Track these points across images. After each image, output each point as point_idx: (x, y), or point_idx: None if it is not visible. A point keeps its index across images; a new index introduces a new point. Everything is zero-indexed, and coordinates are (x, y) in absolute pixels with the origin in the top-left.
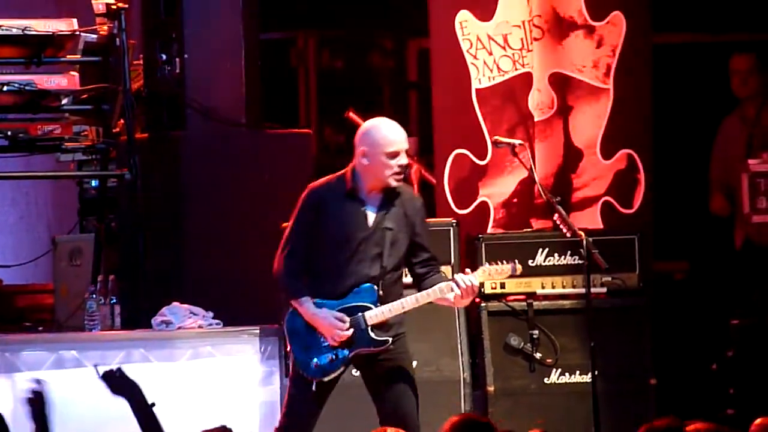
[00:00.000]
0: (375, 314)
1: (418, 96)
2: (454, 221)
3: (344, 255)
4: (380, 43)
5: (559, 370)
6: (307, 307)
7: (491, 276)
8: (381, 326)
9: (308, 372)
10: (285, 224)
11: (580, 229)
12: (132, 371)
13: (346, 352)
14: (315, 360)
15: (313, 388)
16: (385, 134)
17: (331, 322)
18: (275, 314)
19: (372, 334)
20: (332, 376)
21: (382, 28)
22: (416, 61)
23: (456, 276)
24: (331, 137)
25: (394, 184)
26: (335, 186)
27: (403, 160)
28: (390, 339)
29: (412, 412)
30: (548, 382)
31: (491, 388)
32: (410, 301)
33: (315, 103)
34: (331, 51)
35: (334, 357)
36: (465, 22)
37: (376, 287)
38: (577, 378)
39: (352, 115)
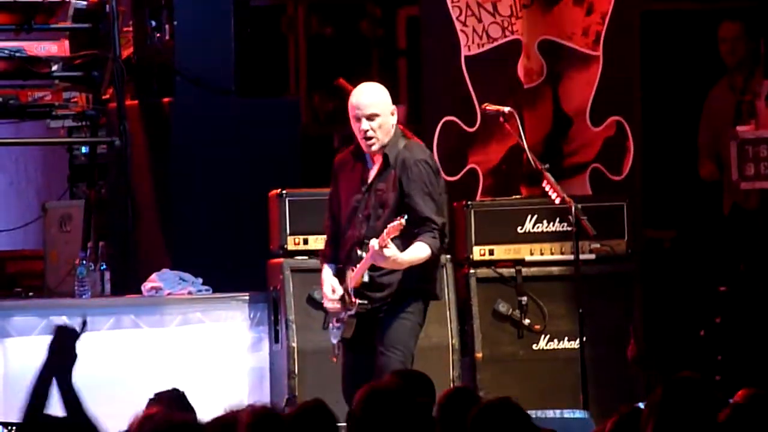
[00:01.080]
0: (349, 276)
1: (408, 64)
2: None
3: (344, 219)
4: (370, 11)
5: (548, 336)
6: (322, 274)
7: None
8: (372, 287)
9: (332, 337)
10: (274, 191)
11: (569, 196)
12: (122, 337)
13: (343, 314)
14: (331, 325)
15: (338, 350)
16: (351, 99)
17: (324, 289)
18: (264, 281)
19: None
20: (345, 335)
21: None
22: (405, 28)
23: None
24: (320, 105)
25: (365, 148)
26: (354, 151)
27: (365, 125)
28: (368, 300)
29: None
30: (536, 348)
31: (479, 355)
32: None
33: (304, 70)
34: (321, 18)
35: (338, 320)
36: None
37: (359, 250)
38: (566, 344)
39: (341, 82)
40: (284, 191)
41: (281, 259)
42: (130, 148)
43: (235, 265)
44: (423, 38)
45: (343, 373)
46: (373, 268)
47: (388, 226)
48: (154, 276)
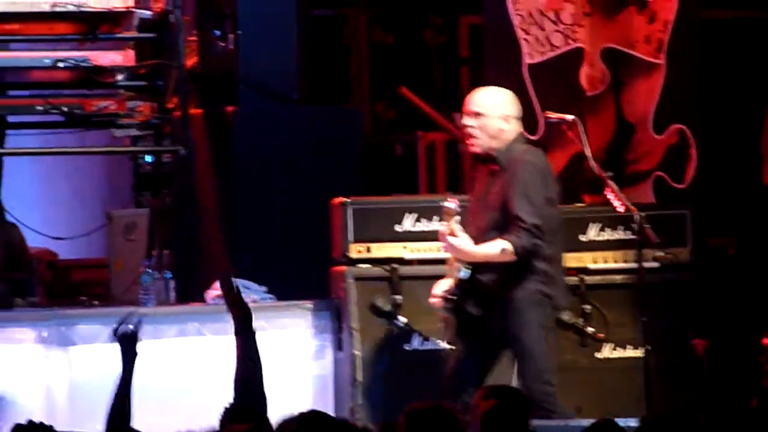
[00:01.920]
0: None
1: (470, 72)
2: None
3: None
4: (432, 19)
5: (611, 344)
6: None
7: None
8: (474, 286)
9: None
10: (337, 199)
11: (633, 204)
12: (186, 345)
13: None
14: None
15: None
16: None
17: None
18: (327, 289)
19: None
20: (448, 340)
21: (434, 4)
22: (468, 36)
23: None
24: (382, 113)
25: (464, 146)
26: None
27: (467, 121)
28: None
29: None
30: (600, 356)
31: None
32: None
33: (367, 79)
34: (383, 27)
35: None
36: None
37: None
38: (629, 353)
39: (403, 91)
40: (347, 199)
41: (344, 267)
42: (194, 157)
43: (299, 273)
44: (485, 46)
45: (449, 371)
46: (478, 269)
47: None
48: (217, 284)
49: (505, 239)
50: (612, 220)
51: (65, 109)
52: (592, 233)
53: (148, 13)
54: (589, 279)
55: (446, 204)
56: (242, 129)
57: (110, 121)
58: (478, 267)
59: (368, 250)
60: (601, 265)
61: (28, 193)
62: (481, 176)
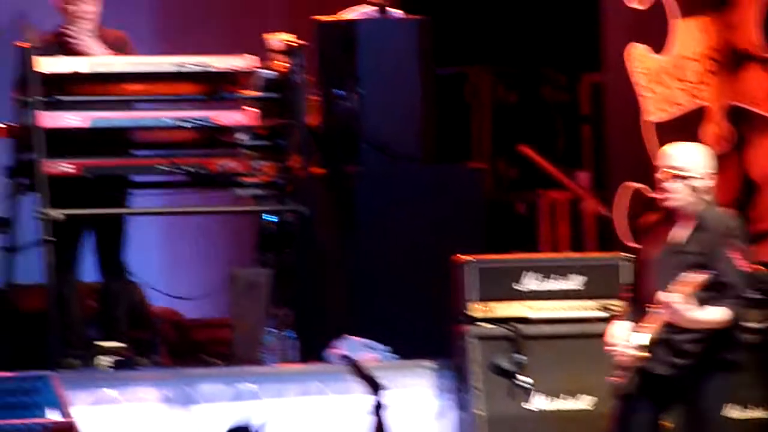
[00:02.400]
0: (642, 329)
1: (591, 130)
2: (626, 255)
3: (648, 278)
4: (553, 78)
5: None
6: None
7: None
8: (672, 350)
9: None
10: (458, 258)
11: (756, 263)
12: (308, 404)
13: (627, 366)
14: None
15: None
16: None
17: (617, 335)
18: (450, 348)
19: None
20: (626, 390)
21: (555, 63)
22: (589, 94)
23: None
24: (504, 171)
25: (662, 201)
26: (665, 211)
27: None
28: (666, 364)
29: None
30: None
31: None
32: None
33: (488, 137)
34: (505, 85)
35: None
36: (639, 55)
37: (656, 307)
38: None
39: (524, 149)
40: (469, 258)
41: (466, 326)
42: (316, 216)
43: (420, 331)
44: (606, 104)
45: (616, 426)
46: (676, 331)
47: (686, 278)
48: (340, 343)
49: (724, 306)
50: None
51: (188, 168)
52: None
53: (272, 72)
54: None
55: (693, 277)
56: (364, 188)
57: (233, 180)
58: (677, 327)
59: (490, 308)
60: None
61: (151, 253)
62: (661, 232)
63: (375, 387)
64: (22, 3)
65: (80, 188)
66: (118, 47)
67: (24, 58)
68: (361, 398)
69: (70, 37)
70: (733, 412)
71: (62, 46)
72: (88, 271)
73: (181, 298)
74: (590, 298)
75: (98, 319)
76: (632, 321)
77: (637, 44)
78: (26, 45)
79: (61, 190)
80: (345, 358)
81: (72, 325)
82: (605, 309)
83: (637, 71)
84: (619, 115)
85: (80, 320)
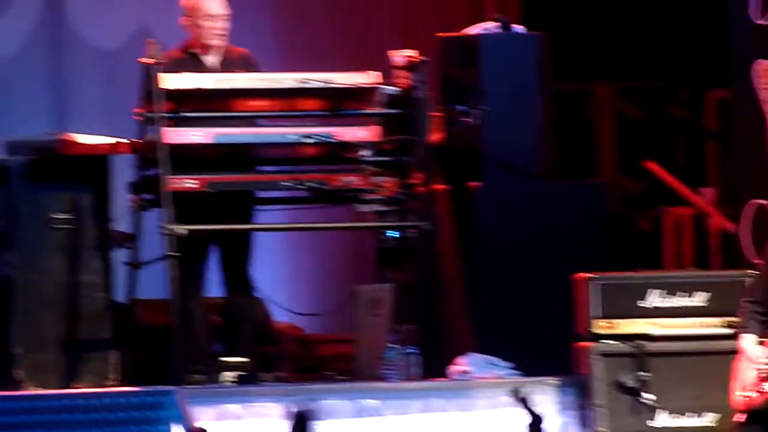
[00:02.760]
0: None
1: (717, 146)
2: (752, 272)
3: None
4: (678, 94)
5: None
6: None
7: None
8: None
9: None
10: (581, 274)
11: None
12: (430, 420)
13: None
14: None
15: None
16: None
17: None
18: (574, 365)
19: None
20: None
21: (680, 79)
22: (715, 111)
23: None
24: (629, 188)
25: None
26: None
27: None
28: None
29: None
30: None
31: None
32: None
33: (612, 152)
34: (629, 101)
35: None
36: (765, 71)
37: None
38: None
39: (649, 165)
40: (592, 274)
41: (589, 343)
42: (438, 232)
43: (542, 348)
44: (735, 121)
45: None
46: None
47: None
48: (462, 359)
49: None
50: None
51: (311, 184)
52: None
53: (394, 89)
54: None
55: None
56: (486, 204)
57: (355, 196)
58: None
59: (614, 325)
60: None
61: (273, 268)
62: None
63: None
64: (146, 20)
65: (205, 204)
66: (244, 65)
67: (148, 75)
68: (482, 415)
69: (195, 53)
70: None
71: (187, 62)
72: (213, 286)
73: (304, 314)
74: (715, 315)
75: (222, 334)
76: (758, 335)
77: (764, 60)
78: (150, 61)
79: (185, 205)
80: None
81: (196, 340)
82: (730, 326)
83: (764, 87)
84: (746, 131)
85: (205, 335)
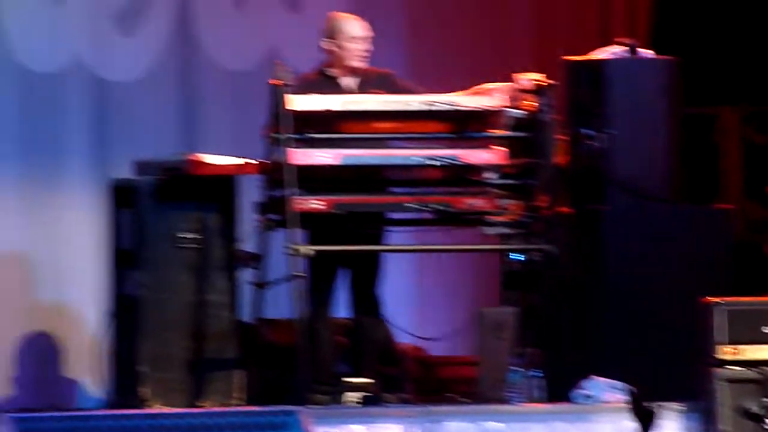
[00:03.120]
0: None
1: None
2: None
3: None
4: None
5: None
6: None
7: None
8: None
9: None
10: (706, 299)
11: None
12: None
13: None
14: None
15: None
16: None
17: None
18: (698, 390)
19: None
20: None
21: None
22: None
23: None
24: (755, 213)
25: None
26: None
27: None
28: None
29: None
30: None
31: None
32: None
33: (738, 178)
34: (755, 127)
35: None
36: None
37: None
38: None
39: None
40: (717, 299)
41: (714, 369)
42: (563, 255)
43: (666, 372)
44: None
45: None
46: None
47: None
48: (584, 383)
49: None
50: None
51: (436, 206)
52: None
53: (520, 112)
54: None
55: None
56: (611, 227)
57: (480, 218)
58: None
59: (738, 351)
60: None
61: (398, 290)
62: None
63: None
64: (275, 42)
65: (335, 225)
66: (382, 85)
67: (276, 96)
68: None
69: (332, 76)
70: None
71: (323, 84)
72: (339, 306)
73: (428, 339)
74: None
75: (347, 354)
76: None
77: None
78: (279, 83)
79: (315, 226)
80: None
81: (322, 360)
82: None
83: None
84: None
85: (330, 356)
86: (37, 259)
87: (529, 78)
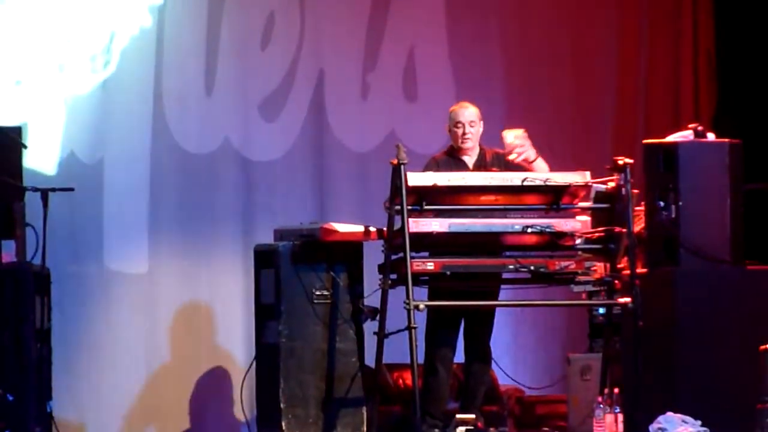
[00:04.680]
0: None
1: None
2: None
3: None
4: None
5: None
6: None
7: None
8: None
9: None
10: (765, 346)
11: None
12: None
13: None
14: None
15: None
16: None
17: None
18: (756, 426)
19: None
20: None
21: None
22: None
23: None
24: None
25: None
26: None
27: None
28: None
29: None
30: None
31: None
32: None
33: None
34: None
35: None
36: None
37: None
38: None
39: None
40: None
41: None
42: (640, 309)
43: (731, 410)
44: None
45: None
46: None
47: None
48: (660, 418)
49: None
50: None
51: (532, 267)
52: None
53: (603, 187)
54: None
55: None
56: (683, 286)
57: (570, 278)
58: None
59: None
60: None
61: (499, 339)
62: None
63: None
64: (394, 126)
65: (445, 283)
66: (498, 163)
67: (395, 173)
68: None
69: (455, 155)
70: None
71: (450, 163)
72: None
73: (529, 387)
74: None
75: (459, 394)
76: None
77: None
78: (397, 162)
79: (429, 284)
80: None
81: (439, 399)
82: None
83: None
84: None
85: (445, 395)
86: (198, 311)
87: (515, 135)
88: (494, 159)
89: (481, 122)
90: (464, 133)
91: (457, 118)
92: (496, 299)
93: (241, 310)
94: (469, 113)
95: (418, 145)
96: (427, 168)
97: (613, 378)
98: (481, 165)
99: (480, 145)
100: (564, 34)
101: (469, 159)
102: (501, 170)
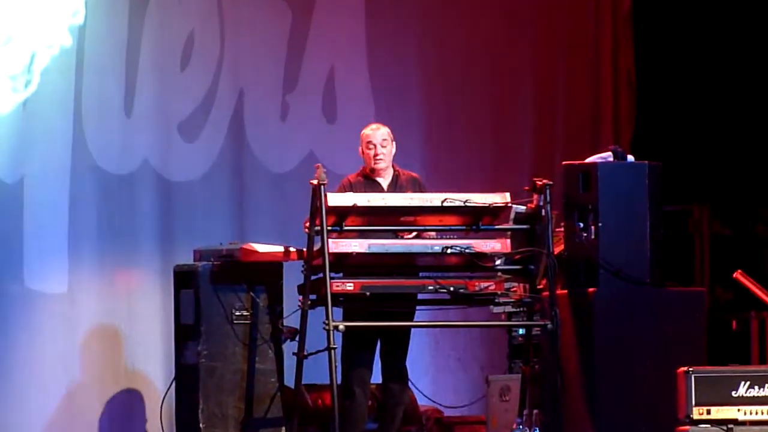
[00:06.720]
0: None
1: None
2: None
3: None
4: (763, 215)
5: None
6: None
7: None
8: None
9: None
10: (682, 369)
11: None
12: None
13: None
14: None
15: None
16: None
17: None
18: None
19: None
20: None
21: (766, 201)
22: None
23: None
24: (721, 295)
25: None
26: None
27: None
28: None
29: None
30: None
31: None
32: None
33: (707, 265)
34: (722, 221)
35: None
36: None
37: None
38: None
39: (739, 277)
40: (690, 368)
41: (687, 427)
42: (560, 331)
43: (653, 430)
44: None
45: None
46: None
47: None
48: None
49: None
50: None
51: (452, 288)
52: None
53: (523, 208)
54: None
55: None
56: (602, 307)
57: (489, 299)
58: None
59: (708, 412)
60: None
61: (418, 360)
62: None
63: None
64: (313, 147)
65: (364, 303)
66: (412, 186)
67: (315, 194)
68: None
69: (369, 176)
70: None
71: (363, 184)
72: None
73: (448, 407)
74: None
75: (378, 414)
76: None
77: None
78: (316, 183)
79: (346, 305)
80: None
81: (356, 420)
82: None
83: None
84: None
85: (364, 417)
86: (117, 331)
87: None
88: (409, 182)
89: (393, 142)
90: (376, 154)
91: (368, 138)
92: (412, 320)
93: (160, 330)
94: (380, 134)
95: (337, 166)
96: (340, 189)
97: (533, 399)
98: (396, 187)
99: (394, 166)
100: (482, 55)
101: (383, 180)
102: (416, 192)
